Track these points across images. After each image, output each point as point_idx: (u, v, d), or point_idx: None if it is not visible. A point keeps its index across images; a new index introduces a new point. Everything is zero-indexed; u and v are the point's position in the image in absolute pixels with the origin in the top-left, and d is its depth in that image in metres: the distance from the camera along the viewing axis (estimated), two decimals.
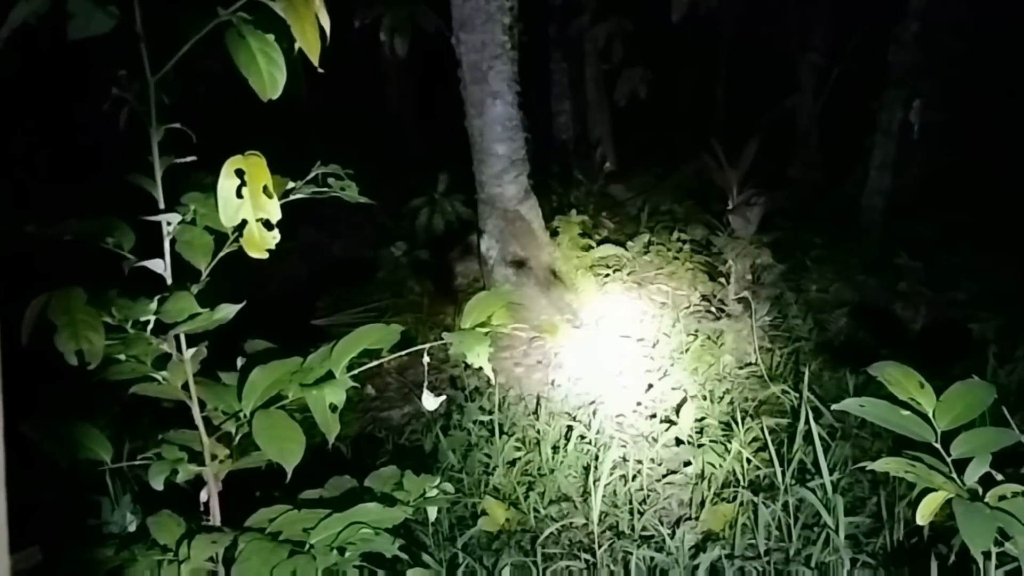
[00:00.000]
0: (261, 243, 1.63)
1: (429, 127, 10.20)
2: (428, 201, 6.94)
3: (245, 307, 1.86)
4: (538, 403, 4.30)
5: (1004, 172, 7.49)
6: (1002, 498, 1.66)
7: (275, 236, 1.65)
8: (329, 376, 1.89)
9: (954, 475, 1.73)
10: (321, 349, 1.97)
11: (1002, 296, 5.44)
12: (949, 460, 1.75)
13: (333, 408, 1.84)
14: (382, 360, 1.95)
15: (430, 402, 1.92)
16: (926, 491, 1.70)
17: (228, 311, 1.81)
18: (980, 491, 1.70)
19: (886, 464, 1.71)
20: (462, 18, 5.31)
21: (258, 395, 1.95)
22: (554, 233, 6.07)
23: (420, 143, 10.02)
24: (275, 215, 1.63)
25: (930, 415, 1.80)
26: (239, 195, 1.60)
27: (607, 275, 6.05)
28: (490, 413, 4.00)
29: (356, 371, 1.97)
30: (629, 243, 6.43)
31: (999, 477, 1.75)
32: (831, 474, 3.05)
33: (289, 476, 1.78)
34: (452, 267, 6.27)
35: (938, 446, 1.76)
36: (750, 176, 5.38)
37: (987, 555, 1.76)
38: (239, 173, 1.60)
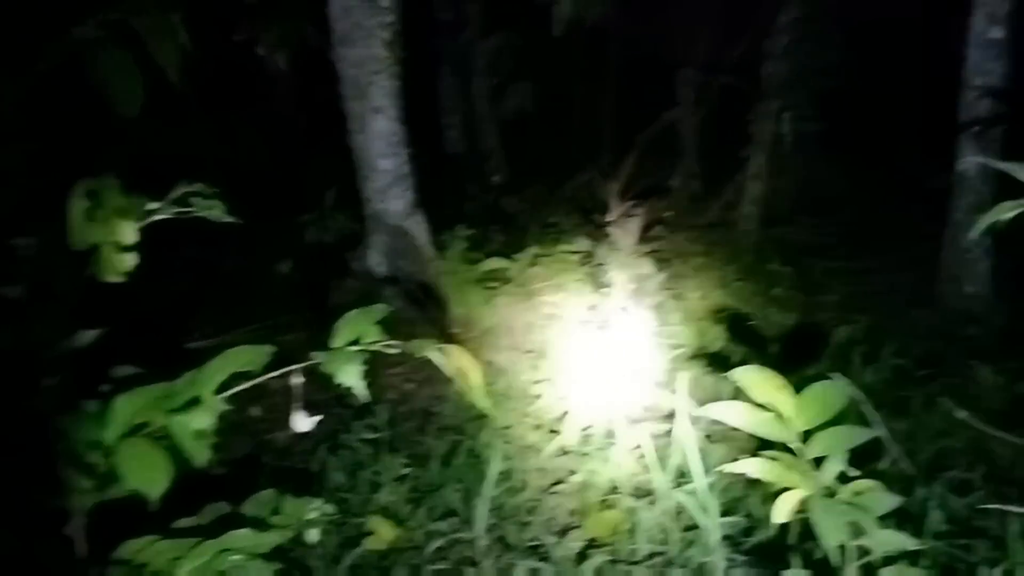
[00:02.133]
0: (117, 266, 1.59)
1: (317, 141, 10.07)
2: (316, 216, 6.85)
3: (117, 331, 1.81)
4: (427, 418, 4.29)
5: (876, 178, 7.90)
6: (858, 493, 1.74)
7: (131, 259, 1.61)
8: (197, 400, 1.85)
9: (811, 472, 1.81)
10: (188, 373, 1.93)
11: (872, 298, 5.72)
12: (805, 458, 1.83)
13: (200, 434, 1.80)
14: (256, 381, 1.92)
15: (302, 423, 1.90)
16: (784, 490, 1.77)
17: (86, 337, 1.76)
18: (837, 488, 1.79)
19: (744, 466, 1.78)
20: (341, 33, 5.28)
21: (123, 423, 1.89)
22: (442, 247, 6.07)
23: (308, 158, 9.88)
24: (130, 238, 1.59)
25: (790, 415, 1.88)
26: (91, 218, 1.56)
27: (495, 288, 6.08)
28: (379, 431, 3.96)
29: (228, 393, 1.94)
30: (516, 256, 6.49)
31: (855, 473, 1.84)
32: (707, 476, 3.14)
33: (155, 505, 1.73)
34: (339, 283, 6.19)
35: (795, 445, 1.84)
36: (630, 187, 5.52)
37: (844, 548, 1.84)
38: (91, 195, 1.56)
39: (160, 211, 1.90)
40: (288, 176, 8.87)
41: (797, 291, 5.80)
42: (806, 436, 1.88)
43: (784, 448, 1.85)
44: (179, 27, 1.68)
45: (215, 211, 2.02)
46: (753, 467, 1.78)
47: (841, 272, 6.28)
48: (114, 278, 1.61)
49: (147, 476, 1.75)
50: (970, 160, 5.10)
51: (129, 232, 1.58)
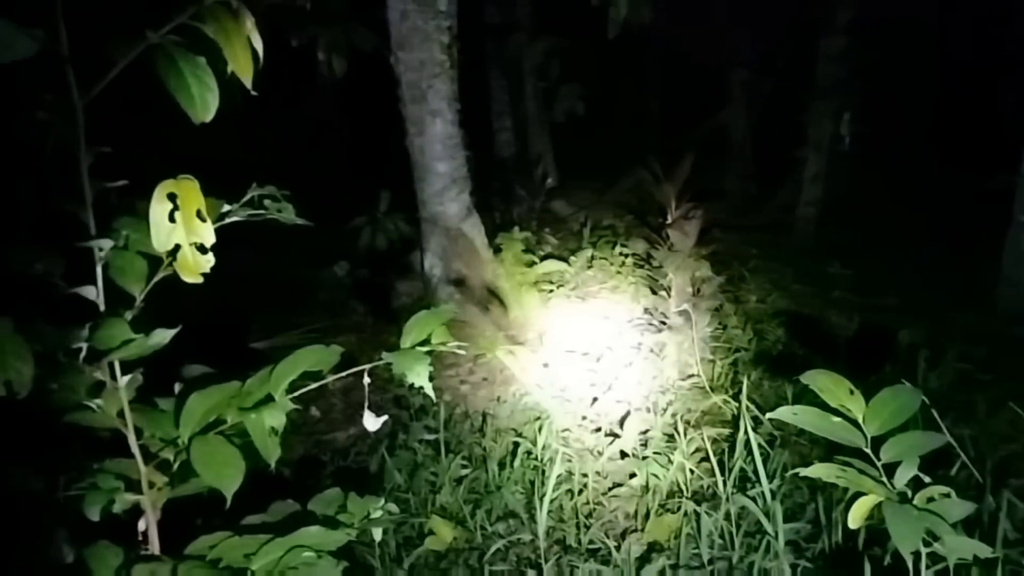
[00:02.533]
0: (195, 267, 1.62)
1: (370, 145, 10.18)
2: (370, 220, 6.91)
3: (183, 332, 1.84)
4: (484, 420, 4.30)
5: (933, 179, 7.75)
6: (930, 500, 1.71)
7: (209, 260, 1.64)
8: (268, 399, 1.87)
9: (884, 479, 1.78)
10: (260, 372, 1.95)
11: (929, 301, 5.62)
12: (879, 464, 1.79)
13: (273, 432, 1.83)
14: (323, 382, 1.94)
15: (371, 423, 1.92)
16: (858, 495, 1.74)
17: (163, 337, 1.79)
18: (909, 494, 1.75)
19: (817, 470, 1.75)
20: (400, 37, 5.32)
21: (196, 421, 1.93)
22: (497, 250, 6.10)
23: (361, 162, 9.99)
24: (209, 239, 1.62)
25: (860, 421, 1.85)
26: (172, 219, 1.59)
27: (551, 291, 6.09)
28: (436, 432, 3.98)
29: (297, 393, 1.96)
30: (572, 258, 6.49)
31: (927, 480, 1.80)
32: (770, 482, 3.10)
33: (229, 502, 1.76)
34: (394, 286, 6.25)
35: (868, 451, 1.80)
36: (686, 190, 5.47)
37: (917, 555, 1.81)
38: (171, 197, 1.59)
39: (233, 213, 1.94)
40: (342, 180, 8.99)
41: (856, 293, 5.70)
42: (877, 442, 1.85)
43: (855, 453, 1.82)
44: (254, 33, 1.70)
45: (286, 213, 2.05)
46: (827, 472, 1.75)
47: (899, 274, 6.17)
48: (192, 279, 1.64)
49: (222, 473, 1.77)
50: None
51: (209, 233, 1.61)
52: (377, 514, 2.30)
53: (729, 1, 8.62)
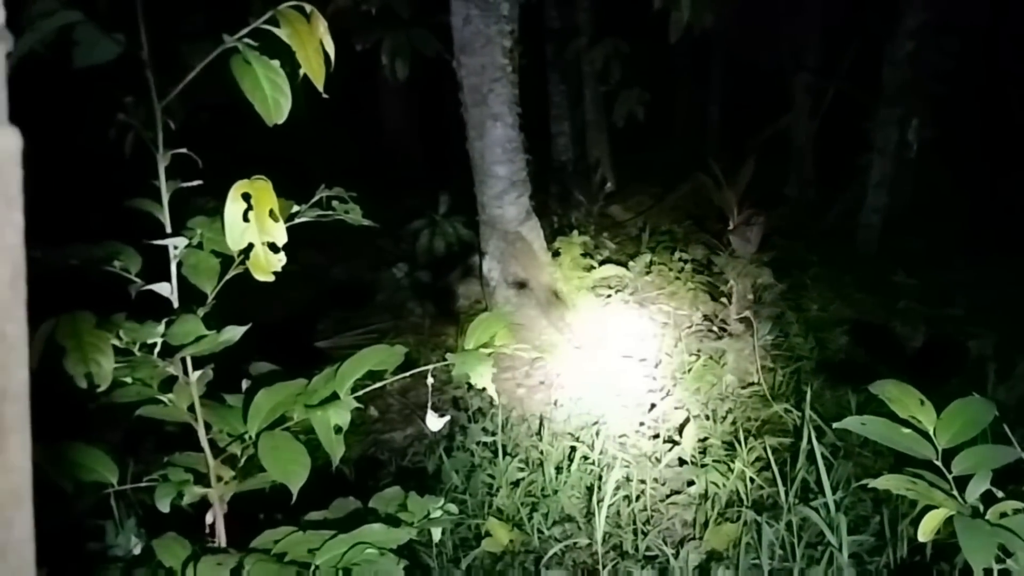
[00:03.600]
0: (267, 266, 1.65)
1: (429, 149, 10.28)
2: (429, 223, 6.96)
3: (249, 330, 1.88)
4: (541, 424, 4.31)
5: (992, 188, 7.56)
6: (1003, 515, 1.67)
7: (281, 259, 1.67)
8: (334, 398, 1.90)
9: (955, 492, 1.74)
10: (326, 371, 1.98)
11: (997, 312, 5.46)
12: (950, 477, 1.75)
13: (338, 430, 1.85)
14: (386, 382, 1.96)
15: (434, 423, 1.93)
16: (927, 509, 1.70)
17: (234, 333, 1.83)
18: (981, 508, 1.71)
19: (887, 482, 1.72)
20: (463, 41, 5.36)
21: (263, 417, 1.97)
22: (555, 254, 6.10)
23: (420, 165, 10.09)
24: (281, 238, 1.65)
25: (931, 433, 1.81)
26: (245, 219, 1.62)
27: (609, 295, 6.07)
28: (493, 434, 4.00)
29: (360, 392, 1.99)
30: (631, 263, 6.45)
31: (1000, 494, 1.76)
32: (834, 493, 3.05)
33: (295, 497, 1.79)
34: (453, 289, 6.28)
35: (939, 463, 1.77)
36: (747, 195, 5.42)
37: (988, 572, 1.76)
38: (246, 197, 1.62)
39: (303, 213, 1.97)
40: (405, 182, 9.07)
41: (922, 303, 5.57)
42: (948, 454, 1.81)
43: (925, 465, 1.78)
44: (326, 36, 1.73)
45: (353, 214, 2.08)
46: (897, 484, 1.71)
47: (965, 284, 6.00)
48: (264, 277, 1.68)
49: (288, 468, 1.81)
50: None
51: (281, 233, 1.65)
52: (437, 514, 2.32)
53: (793, 4, 8.51)
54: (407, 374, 1.96)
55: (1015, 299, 5.63)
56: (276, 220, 1.63)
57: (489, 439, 3.99)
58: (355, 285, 6.77)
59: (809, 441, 3.34)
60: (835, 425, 1.86)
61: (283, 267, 1.77)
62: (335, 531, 1.88)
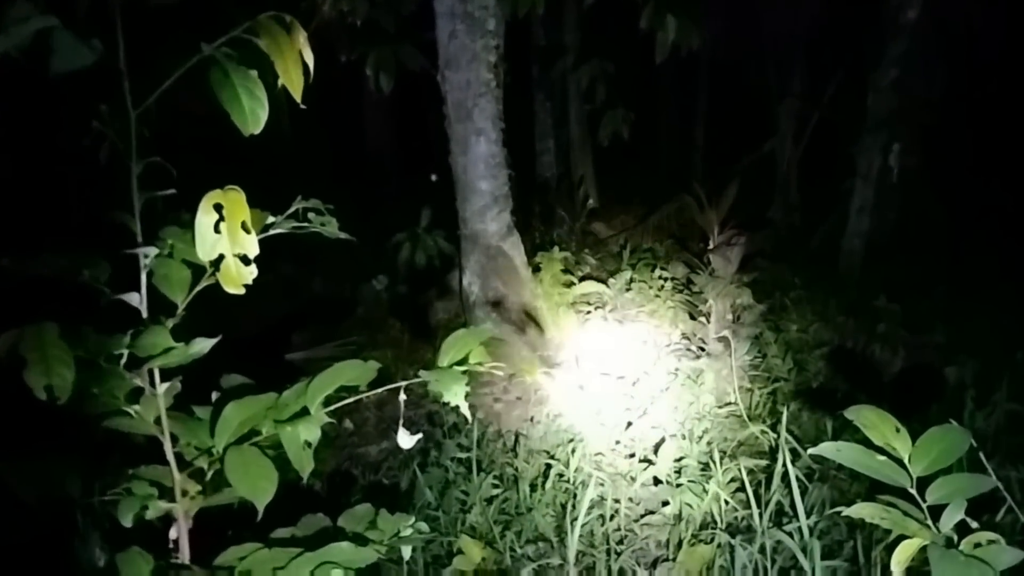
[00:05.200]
0: (238, 278, 1.62)
1: (411, 162, 10.26)
2: (410, 236, 6.94)
3: (221, 342, 1.84)
4: (517, 440, 4.28)
5: (976, 215, 7.61)
6: (977, 545, 1.65)
7: (252, 271, 1.64)
8: (304, 413, 1.87)
9: (929, 522, 1.72)
10: (297, 385, 1.95)
11: (977, 339, 5.48)
12: (924, 506, 1.74)
13: (307, 445, 1.82)
14: (359, 396, 1.93)
15: (406, 440, 1.91)
16: (901, 537, 1.69)
17: (203, 345, 1.80)
18: (955, 538, 1.69)
19: (861, 510, 1.70)
20: (448, 56, 5.35)
21: (231, 431, 1.93)
22: (536, 269, 6.08)
23: (403, 178, 10.08)
24: (253, 250, 1.63)
25: (906, 460, 1.80)
26: (217, 230, 1.60)
27: (588, 312, 6.06)
28: (468, 450, 3.96)
29: (333, 407, 1.96)
30: (611, 280, 6.45)
31: (974, 524, 1.74)
32: (808, 517, 3.04)
33: (261, 514, 1.76)
34: (432, 303, 6.26)
35: (913, 492, 1.75)
36: (730, 217, 5.43)
37: None
38: (217, 208, 1.59)
39: (277, 225, 1.95)
40: (387, 195, 9.06)
41: (902, 328, 5.59)
42: (923, 482, 1.79)
43: (899, 493, 1.77)
44: (305, 47, 1.71)
45: (330, 227, 2.05)
46: (871, 512, 1.70)
47: (946, 311, 6.03)
48: (234, 289, 1.65)
49: (255, 484, 1.77)
50: None
51: (252, 245, 1.62)
52: (407, 532, 2.28)
53: (780, 30, 8.57)
54: (380, 390, 1.93)
55: (995, 328, 5.67)
56: (248, 232, 1.60)
57: (464, 455, 3.96)
58: (334, 298, 6.73)
59: (784, 464, 3.33)
60: (810, 451, 1.84)
61: (261, 278, 1.74)
62: (302, 549, 1.85)
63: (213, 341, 1.77)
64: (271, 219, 1.93)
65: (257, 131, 1.75)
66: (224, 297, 1.81)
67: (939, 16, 6.77)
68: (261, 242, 1.75)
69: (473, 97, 5.41)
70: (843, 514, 1.70)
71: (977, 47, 8.31)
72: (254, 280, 1.73)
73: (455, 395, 1.76)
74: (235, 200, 1.60)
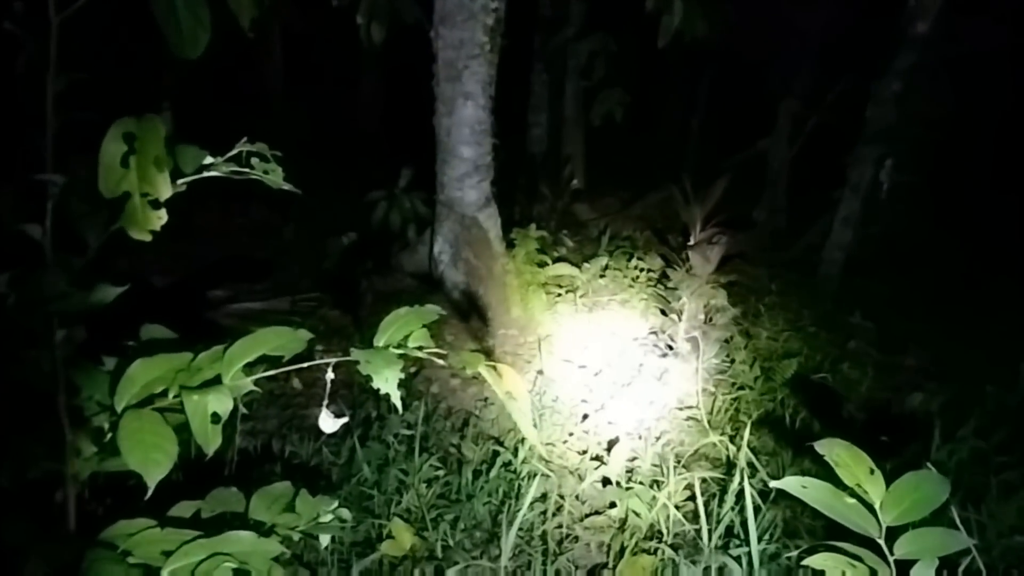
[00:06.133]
0: (143, 221, 1.41)
1: (401, 120, 9.99)
2: (388, 196, 6.69)
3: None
4: (466, 422, 4.09)
5: (966, 240, 7.49)
6: None
7: (162, 217, 1.43)
8: (216, 381, 1.66)
9: None
10: (214, 348, 1.74)
11: (950, 366, 5.36)
12: (891, 560, 1.57)
13: (216, 418, 1.61)
14: (278, 371, 1.73)
15: (328, 424, 1.71)
16: None
17: (106, 293, 1.59)
18: None
19: (824, 561, 1.53)
20: (443, 13, 5.11)
21: (134, 391, 1.70)
22: (510, 245, 5.87)
23: (388, 135, 9.81)
24: (164, 191, 1.41)
25: (877, 506, 1.62)
26: (125, 163, 1.38)
27: (559, 295, 5.87)
28: (412, 427, 3.77)
29: (255, 377, 1.75)
30: (585, 265, 6.26)
31: None
32: (759, 541, 2.87)
33: (151, 491, 1.54)
34: (401, 266, 6.04)
35: (882, 542, 1.58)
36: (714, 214, 5.24)
37: None
38: (128, 137, 1.37)
39: (215, 167, 1.73)
40: (368, 151, 8.80)
41: (875, 348, 5.45)
42: (892, 531, 1.62)
43: (864, 539, 1.60)
44: None
45: (274, 176, 1.84)
46: (835, 565, 1.53)
47: (921, 334, 5.90)
48: (140, 235, 1.43)
49: (147, 456, 1.56)
50: None
51: (164, 185, 1.40)
52: (327, 518, 2.09)
53: (794, 28, 8.35)
54: (305, 364, 1.73)
55: (969, 356, 5.55)
56: (160, 170, 1.38)
57: (408, 432, 3.76)
58: (299, 248, 6.49)
59: (741, 481, 3.16)
60: (773, 484, 1.66)
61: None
62: (198, 533, 1.65)
63: (119, 290, 1.56)
64: (209, 159, 1.71)
65: (195, 55, 1.54)
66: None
67: (950, 33, 6.58)
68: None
69: (465, 58, 5.18)
70: (803, 563, 1.53)
71: (987, 69, 8.14)
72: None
73: (386, 380, 1.56)
74: (150, 130, 1.38)
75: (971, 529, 3.31)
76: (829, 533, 2.14)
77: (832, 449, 1.69)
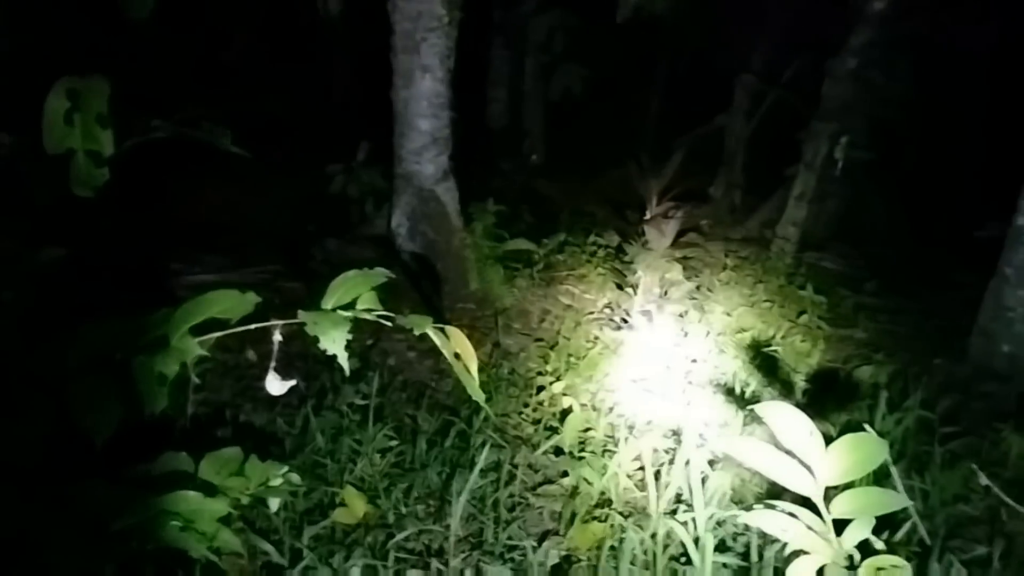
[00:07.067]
0: (88, 178, 1.40)
1: (360, 91, 9.90)
2: (345, 168, 6.65)
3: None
4: (422, 393, 4.11)
5: (924, 218, 7.63)
6: (879, 569, 1.54)
7: (104, 174, 1.42)
8: (163, 343, 1.66)
9: (832, 536, 1.60)
10: (162, 311, 1.74)
11: (900, 341, 5.49)
12: (829, 519, 1.62)
13: (162, 379, 1.61)
14: (229, 331, 1.73)
15: (276, 386, 1.72)
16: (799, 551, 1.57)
17: (54, 254, 1.58)
18: (857, 558, 1.58)
19: (759, 518, 1.58)
20: None
21: (86, 353, 1.70)
22: (468, 220, 5.87)
23: (348, 107, 9.71)
24: (107, 148, 1.39)
25: (815, 468, 1.67)
26: (68, 121, 1.36)
27: (516, 269, 5.89)
28: (368, 397, 3.78)
29: (206, 337, 1.76)
30: (544, 240, 6.28)
31: (879, 545, 1.63)
32: (706, 507, 2.93)
33: (98, 450, 1.55)
34: (357, 240, 6.02)
35: (819, 502, 1.63)
36: (670, 188, 5.29)
37: None
38: (72, 95, 1.36)
39: (162, 129, 1.72)
40: (327, 123, 8.70)
41: (826, 322, 5.56)
42: (830, 491, 1.67)
43: (805, 502, 1.65)
44: None
45: (222, 139, 1.83)
46: (772, 522, 1.57)
47: (872, 309, 6.03)
48: (82, 192, 1.42)
49: (95, 416, 1.56)
50: None
51: (107, 142, 1.39)
52: (276, 482, 2.10)
53: (752, 5, 8.39)
54: (252, 326, 1.73)
55: (918, 330, 5.68)
56: (104, 127, 1.37)
57: (362, 402, 3.77)
58: (256, 219, 6.43)
59: (688, 449, 3.21)
60: (716, 445, 1.70)
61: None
62: (143, 493, 1.65)
63: (61, 252, 1.55)
64: (156, 123, 1.70)
65: (143, 16, 1.52)
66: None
67: (908, 9, 6.65)
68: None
69: (422, 30, 5.13)
70: (740, 520, 1.57)
71: (946, 47, 8.25)
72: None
73: (333, 342, 1.57)
74: (94, 89, 1.37)
75: (915, 496, 3.40)
76: (775, 497, 2.20)
77: (773, 412, 1.74)
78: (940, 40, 8.10)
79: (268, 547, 2.72)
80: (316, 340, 1.60)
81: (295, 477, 2.12)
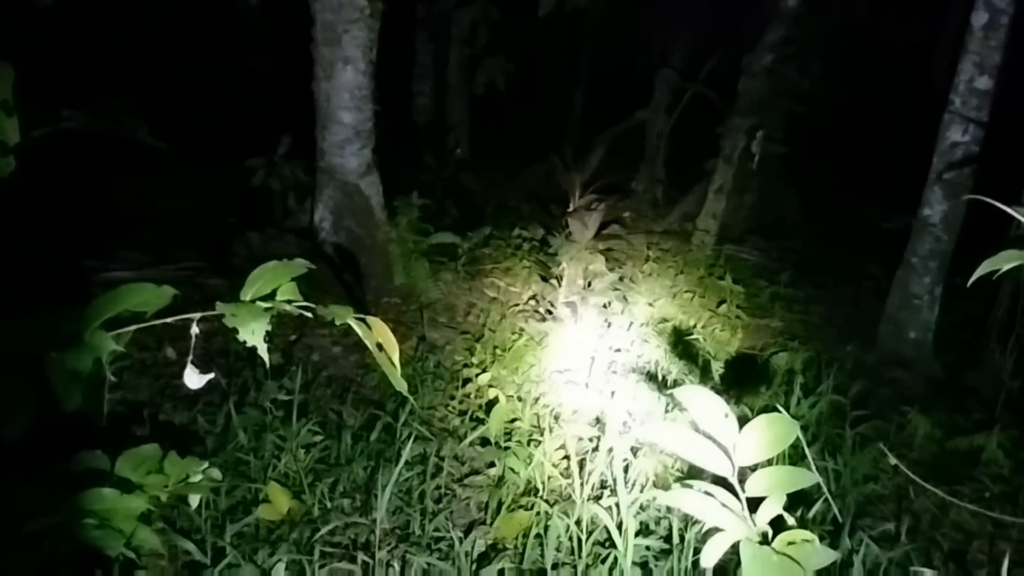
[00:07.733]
0: None
1: (281, 83, 9.75)
2: (267, 162, 6.54)
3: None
4: (347, 388, 4.08)
5: (835, 211, 7.88)
6: (791, 544, 1.59)
7: (9, 163, 1.38)
8: (76, 338, 1.62)
9: (746, 514, 1.65)
10: (76, 308, 1.70)
11: (814, 329, 5.66)
12: (743, 497, 1.67)
13: (75, 375, 1.57)
14: (145, 324, 1.70)
15: (193, 380, 1.69)
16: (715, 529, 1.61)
17: None
18: (770, 534, 1.63)
19: (675, 499, 1.62)
20: None
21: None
22: (393, 214, 5.84)
23: (270, 100, 9.56)
24: (12, 136, 1.36)
25: (730, 448, 1.72)
26: None
27: (441, 263, 5.88)
28: (292, 393, 3.74)
29: (118, 332, 1.72)
30: (469, 233, 6.28)
31: (791, 520, 1.68)
32: (628, 492, 2.99)
33: (11, 450, 1.50)
34: (281, 234, 5.93)
35: (734, 482, 1.67)
36: (592, 181, 5.35)
37: None
38: None
39: (73, 119, 1.68)
40: (247, 117, 8.55)
41: (744, 311, 5.70)
42: (745, 471, 1.72)
43: (720, 482, 1.69)
44: None
45: (138, 131, 1.80)
46: (687, 501, 1.61)
47: (787, 298, 6.21)
48: None
49: (6, 415, 1.51)
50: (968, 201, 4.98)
51: (12, 130, 1.35)
52: (197, 479, 2.07)
53: (673, 3, 8.52)
54: (169, 320, 1.70)
55: (831, 318, 5.87)
56: (9, 114, 1.33)
57: (286, 397, 3.73)
58: (175, 216, 6.29)
59: (610, 436, 3.27)
60: (636, 433, 1.74)
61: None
62: (59, 491, 1.61)
63: None
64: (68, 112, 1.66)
65: (48, 2, 1.48)
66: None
67: (821, 7, 6.84)
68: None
69: (344, 22, 5.09)
70: (657, 501, 1.61)
71: (857, 42, 8.51)
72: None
73: (252, 333, 1.55)
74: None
75: (828, 477, 3.52)
76: (695, 480, 2.26)
77: (691, 397, 1.78)
78: (855, 37, 8.37)
79: (190, 545, 2.69)
80: (235, 333, 1.58)
81: (216, 473, 2.09)
